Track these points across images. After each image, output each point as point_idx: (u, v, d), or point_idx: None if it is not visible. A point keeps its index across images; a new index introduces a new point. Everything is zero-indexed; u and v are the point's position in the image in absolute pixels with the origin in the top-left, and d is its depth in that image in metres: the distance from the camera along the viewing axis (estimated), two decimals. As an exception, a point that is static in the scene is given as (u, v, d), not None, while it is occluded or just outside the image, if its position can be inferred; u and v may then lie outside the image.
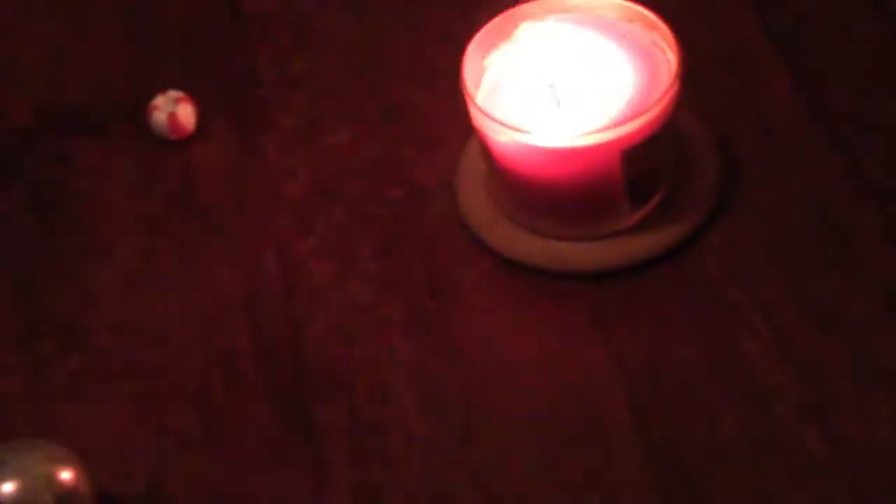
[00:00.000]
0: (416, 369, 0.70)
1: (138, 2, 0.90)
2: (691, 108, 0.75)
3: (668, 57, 0.70)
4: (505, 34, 0.73)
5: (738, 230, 0.73)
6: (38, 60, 0.88)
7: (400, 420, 0.68)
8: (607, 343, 0.69)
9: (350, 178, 0.79)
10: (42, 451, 0.64)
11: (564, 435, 0.66)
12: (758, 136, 0.76)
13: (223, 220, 0.78)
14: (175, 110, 0.81)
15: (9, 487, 0.62)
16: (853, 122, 0.76)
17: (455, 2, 0.85)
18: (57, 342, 0.73)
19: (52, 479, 0.63)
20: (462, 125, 0.74)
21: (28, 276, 0.77)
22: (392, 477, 0.66)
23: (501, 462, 0.66)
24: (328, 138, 0.81)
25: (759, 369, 0.67)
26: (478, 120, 0.71)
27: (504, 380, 0.69)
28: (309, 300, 0.73)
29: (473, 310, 0.72)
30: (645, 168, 0.71)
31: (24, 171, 0.82)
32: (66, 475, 0.64)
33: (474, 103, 0.70)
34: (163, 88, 0.82)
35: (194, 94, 0.82)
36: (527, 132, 0.69)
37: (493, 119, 0.69)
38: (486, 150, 0.73)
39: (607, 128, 0.68)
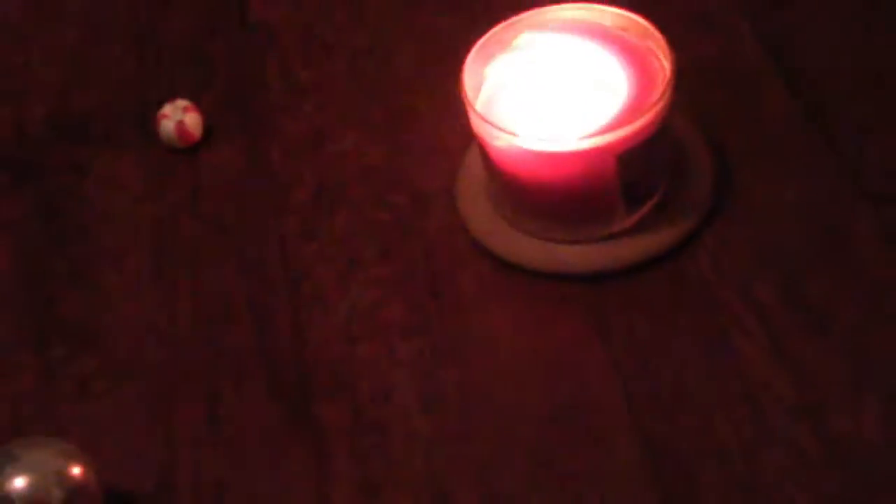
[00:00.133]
0: (417, 369, 0.71)
1: (147, 13, 0.92)
2: (685, 114, 0.76)
3: (663, 63, 0.72)
4: (504, 43, 0.74)
5: (731, 232, 0.74)
6: (49, 71, 0.90)
7: (401, 418, 0.69)
8: (604, 343, 0.71)
9: (354, 183, 0.80)
10: (53, 448, 0.66)
11: (563, 433, 0.68)
12: (751, 140, 0.78)
13: (230, 224, 0.79)
14: (183, 118, 0.82)
15: (20, 483, 0.64)
16: (846, 126, 0.77)
17: (456, 12, 0.87)
18: (68, 344, 0.75)
19: (62, 475, 0.65)
20: (462, 133, 0.76)
21: (40, 279, 0.78)
22: (393, 474, 0.68)
23: (501, 459, 0.67)
24: (333, 145, 0.82)
25: (752, 369, 0.68)
26: (477, 126, 0.72)
27: (503, 379, 0.70)
28: (313, 302, 0.75)
29: (473, 311, 0.74)
30: (640, 172, 0.72)
31: (37, 179, 0.83)
32: (76, 471, 0.65)
33: (474, 110, 0.71)
34: (171, 97, 0.84)
35: (202, 103, 0.84)
36: (524, 137, 0.70)
37: (491, 125, 0.71)
38: (485, 156, 0.74)
39: (603, 132, 0.69)
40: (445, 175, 0.79)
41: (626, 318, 0.72)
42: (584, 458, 0.67)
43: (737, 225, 0.74)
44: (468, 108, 0.72)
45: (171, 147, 0.83)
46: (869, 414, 0.66)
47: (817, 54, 0.81)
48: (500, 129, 0.70)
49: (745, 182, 0.76)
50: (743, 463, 0.65)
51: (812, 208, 0.75)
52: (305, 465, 0.68)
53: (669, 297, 0.72)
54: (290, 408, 0.71)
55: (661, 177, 0.74)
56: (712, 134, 0.78)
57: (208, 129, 0.84)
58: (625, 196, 0.72)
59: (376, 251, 0.77)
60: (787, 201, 0.75)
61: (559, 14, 0.74)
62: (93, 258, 0.79)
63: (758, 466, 0.65)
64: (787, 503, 0.64)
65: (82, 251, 0.79)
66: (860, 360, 0.68)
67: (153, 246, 0.79)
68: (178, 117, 0.82)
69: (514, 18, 0.75)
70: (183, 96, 0.84)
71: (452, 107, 0.76)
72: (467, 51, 0.74)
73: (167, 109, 0.83)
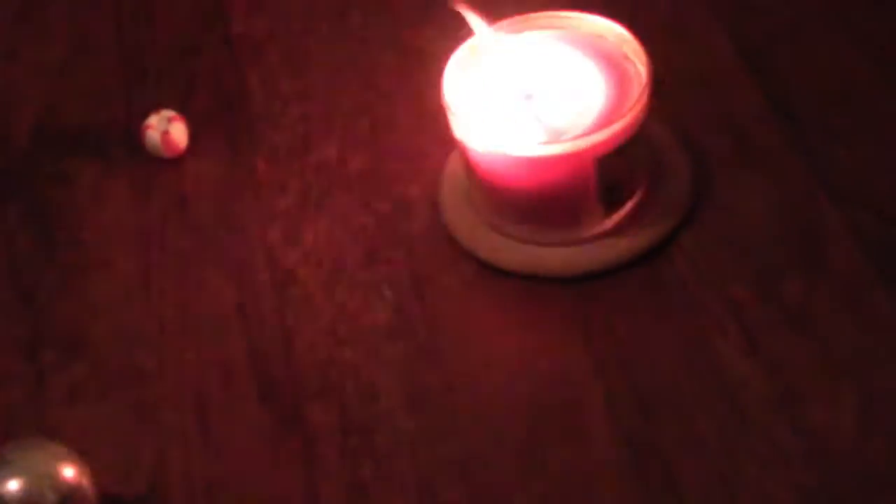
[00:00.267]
0: (403, 370, 0.72)
1: (132, 26, 0.93)
2: (662, 118, 0.78)
3: (639, 68, 0.74)
4: (482, 51, 0.76)
5: (708, 234, 0.75)
6: (34, 84, 0.91)
7: (388, 418, 0.71)
8: (585, 342, 0.72)
9: (337, 191, 0.81)
10: (45, 451, 0.66)
11: (545, 429, 0.69)
12: (727, 143, 0.79)
13: (216, 232, 0.81)
14: (168, 129, 0.84)
15: (14, 486, 0.65)
16: (819, 131, 0.79)
17: (435, 24, 0.88)
18: (59, 351, 0.76)
19: (55, 478, 0.65)
20: (444, 140, 0.77)
21: (30, 289, 0.79)
22: (381, 472, 0.69)
23: (485, 455, 0.69)
24: (316, 154, 0.84)
25: (730, 366, 0.70)
26: (458, 131, 0.74)
27: (487, 378, 0.72)
28: (299, 307, 0.76)
29: (457, 313, 0.75)
30: (618, 175, 0.74)
31: (24, 190, 0.85)
32: (69, 473, 0.66)
33: (455, 115, 0.73)
34: (156, 109, 0.85)
35: (187, 114, 0.85)
36: (504, 142, 0.72)
37: (472, 130, 0.72)
38: (466, 161, 0.76)
39: (581, 136, 0.71)
40: (428, 182, 0.80)
41: (605, 319, 0.73)
42: (566, 454, 0.68)
43: (713, 227, 0.76)
44: (449, 114, 0.74)
45: (157, 157, 0.84)
46: (846, 407, 0.67)
47: (792, 63, 0.83)
48: (481, 135, 0.72)
49: (721, 186, 0.78)
50: (722, 457, 0.67)
51: (785, 211, 0.76)
52: (295, 466, 0.70)
53: (648, 298, 0.74)
54: (279, 410, 0.72)
55: (639, 181, 0.76)
56: (689, 139, 0.79)
57: (193, 140, 0.85)
58: (603, 199, 0.74)
59: (361, 256, 0.78)
60: (762, 204, 0.77)
61: (537, 21, 0.76)
62: (81, 267, 0.80)
63: (737, 460, 0.66)
64: (766, 496, 0.65)
65: (71, 260, 0.81)
66: (835, 356, 0.69)
67: (141, 254, 0.80)
68: (164, 128, 0.84)
69: (494, 25, 0.76)
70: (168, 107, 0.85)
71: (433, 115, 0.78)
72: (447, 58, 0.75)
73: (153, 120, 0.84)
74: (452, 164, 0.80)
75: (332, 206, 0.81)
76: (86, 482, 0.67)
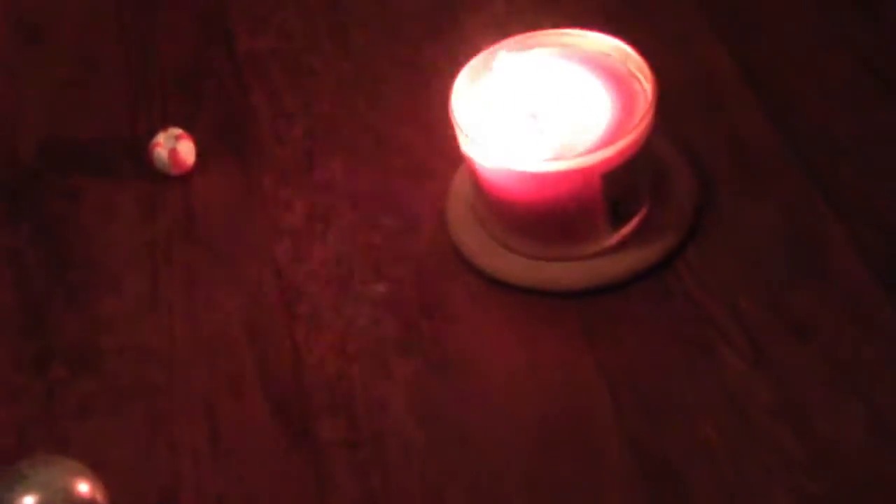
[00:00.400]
0: (412, 384, 0.73)
1: (138, 45, 0.94)
2: (666, 134, 0.79)
3: (644, 86, 0.75)
4: (490, 67, 0.77)
5: (713, 247, 0.76)
6: (43, 101, 0.92)
7: (397, 432, 0.71)
8: (592, 355, 0.73)
9: (344, 207, 0.82)
10: (60, 466, 0.67)
11: (554, 440, 0.70)
12: (730, 158, 0.80)
13: (224, 248, 0.81)
14: (176, 146, 0.84)
15: (29, 501, 0.65)
16: (820, 145, 0.80)
17: (438, 41, 0.90)
18: (69, 367, 0.77)
19: (70, 493, 0.66)
20: (450, 156, 0.78)
21: (40, 305, 0.80)
22: (391, 485, 0.69)
23: (495, 467, 0.69)
24: (322, 171, 0.84)
25: (736, 377, 0.71)
26: (466, 148, 0.75)
27: (495, 391, 0.72)
28: (308, 322, 0.77)
29: (464, 328, 0.76)
30: (624, 190, 0.74)
31: (33, 207, 0.85)
32: (83, 488, 0.67)
33: (463, 132, 0.74)
34: (163, 126, 0.86)
35: (193, 132, 0.86)
36: (512, 158, 0.73)
37: (481, 146, 0.73)
38: (474, 177, 0.76)
39: (588, 153, 0.72)
40: (434, 197, 0.81)
41: (612, 332, 0.74)
42: (575, 465, 0.69)
43: (718, 240, 0.77)
44: (457, 130, 0.74)
45: (164, 174, 0.85)
46: (852, 416, 0.68)
47: (792, 78, 0.84)
48: (490, 151, 0.73)
49: (725, 199, 0.79)
50: (730, 466, 0.67)
51: (788, 224, 0.77)
52: (305, 480, 0.70)
53: (654, 311, 0.74)
54: (290, 424, 0.72)
55: (645, 196, 0.77)
56: (692, 154, 0.80)
57: (200, 157, 0.86)
58: (610, 214, 0.75)
59: (369, 272, 0.79)
60: (765, 217, 0.78)
61: (543, 39, 0.77)
62: (90, 284, 0.81)
63: (744, 469, 0.67)
64: (772, 504, 0.66)
65: (80, 277, 0.81)
66: (841, 366, 0.70)
67: (149, 271, 0.81)
68: (172, 145, 0.84)
69: (500, 44, 0.77)
70: (174, 125, 0.86)
71: (438, 131, 0.79)
72: (453, 76, 0.76)
73: (160, 138, 0.85)
74: (459, 180, 0.80)
75: (339, 222, 0.81)
76: (100, 497, 0.67)
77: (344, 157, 0.85)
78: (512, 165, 0.73)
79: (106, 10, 0.97)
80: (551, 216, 0.75)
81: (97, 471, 0.68)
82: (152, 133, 0.85)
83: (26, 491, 0.66)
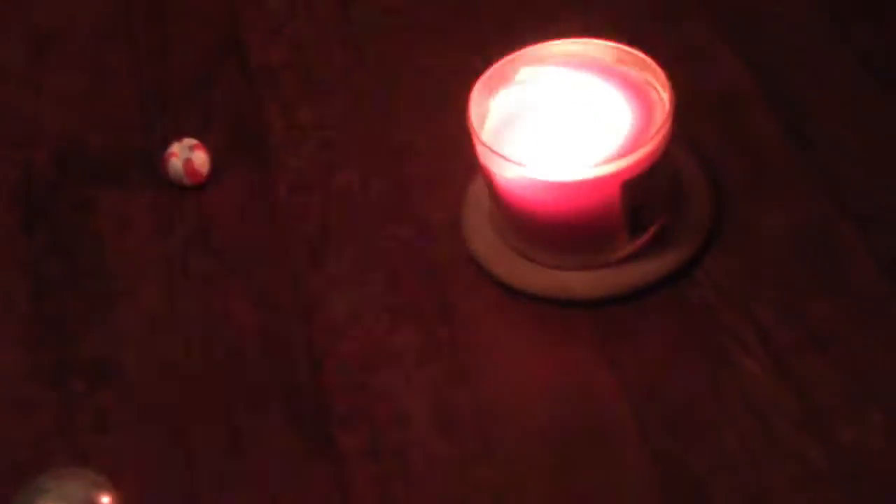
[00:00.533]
0: (432, 394, 0.73)
1: (153, 57, 0.94)
2: (684, 144, 0.79)
3: (662, 96, 0.75)
4: (507, 77, 0.77)
5: (731, 257, 0.76)
6: (56, 114, 0.92)
7: (419, 442, 0.71)
8: (611, 365, 0.73)
9: (360, 217, 0.82)
10: (82, 479, 0.68)
11: (575, 450, 0.70)
12: (747, 168, 0.81)
13: (240, 259, 0.81)
14: (191, 157, 0.84)
15: (51, 513, 0.66)
16: (837, 155, 0.80)
17: (452, 52, 0.90)
18: (86, 379, 0.77)
19: (92, 505, 0.67)
20: (465, 164, 0.78)
21: (57, 318, 0.80)
22: (413, 495, 0.69)
23: (517, 478, 0.69)
24: (337, 181, 0.84)
25: (756, 386, 0.71)
26: (484, 157, 0.75)
27: (515, 401, 0.72)
28: (326, 333, 0.77)
29: (483, 337, 0.76)
30: (643, 200, 0.74)
31: (48, 219, 0.85)
32: (104, 501, 0.67)
33: (481, 141, 0.74)
34: (177, 137, 0.86)
35: (208, 142, 0.86)
36: (533, 167, 0.73)
37: (499, 156, 0.73)
38: (491, 186, 0.76)
39: (608, 162, 0.72)
40: (450, 207, 0.81)
41: (631, 341, 0.74)
42: (597, 475, 0.69)
43: (735, 249, 0.77)
44: (475, 140, 0.74)
45: (179, 185, 0.85)
46: (873, 426, 0.68)
47: (806, 86, 0.84)
48: (509, 160, 0.73)
49: (742, 208, 0.79)
50: (752, 475, 0.68)
51: (805, 231, 0.77)
52: (327, 492, 0.70)
53: (673, 320, 0.75)
54: (310, 436, 0.72)
55: (663, 205, 0.77)
56: (708, 163, 0.80)
57: (214, 168, 0.86)
58: (628, 223, 0.75)
59: (386, 281, 0.79)
60: (781, 225, 0.78)
61: (560, 48, 0.77)
62: (107, 295, 0.81)
63: (766, 478, 0.67)
64: (796, 514, 0.66)
65: (96, 288, 0.81)
66: (861, 375, 0.70)
67: (165, 282, 0.81)
68: (186, 155, 0.84)
69: (517, 53, 0.77)
70: (189, 136, 0.86)
71: (453, 141, 0.79)
72: (468, 85, 0.76)
73: (175, 148, 0.85)
74: (475, 189, 0.80)
75: (355, 231, 0.81)
76: (121, 509, 0.68)
77: (359, 167, 0.85)
78: (532, 175, 0.73)
79: (118, 21, 0.97)
80: (570, 226, 0.75)
81: (116, 484, 0.68)
82: (166, 144, 0.85)
83: (49, 503, 0.66)
